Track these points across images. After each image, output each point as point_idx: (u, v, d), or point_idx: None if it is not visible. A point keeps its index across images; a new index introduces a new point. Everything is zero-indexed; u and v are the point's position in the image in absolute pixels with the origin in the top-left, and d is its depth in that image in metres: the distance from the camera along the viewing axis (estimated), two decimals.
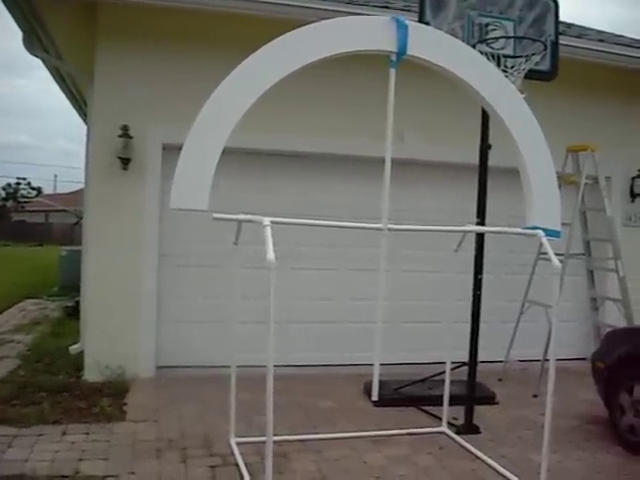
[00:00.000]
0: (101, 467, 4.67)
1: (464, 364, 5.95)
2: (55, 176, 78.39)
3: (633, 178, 8.78)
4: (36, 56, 7.77)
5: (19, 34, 7.34)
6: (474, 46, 5.41)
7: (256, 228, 3.94)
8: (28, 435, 5.25)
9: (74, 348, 7.78)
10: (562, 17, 6.18)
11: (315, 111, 7.43)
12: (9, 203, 55.15)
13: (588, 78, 8.13)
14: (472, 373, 5.86)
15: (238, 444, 5.13)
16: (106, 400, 6.17)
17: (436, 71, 4.54)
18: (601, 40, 8.27)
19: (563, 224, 4.86)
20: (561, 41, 6.20)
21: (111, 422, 5.67)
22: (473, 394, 5.88)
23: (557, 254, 4.48)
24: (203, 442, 5.28)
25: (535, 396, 6.90)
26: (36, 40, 7.53)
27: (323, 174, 7.83)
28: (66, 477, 4.47)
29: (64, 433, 5.35)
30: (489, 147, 5.79)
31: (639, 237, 8.63)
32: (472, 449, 5.31)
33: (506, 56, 5.51)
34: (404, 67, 4.41)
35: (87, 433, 5.37)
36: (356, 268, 7.78)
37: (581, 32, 8.62)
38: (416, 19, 5.38)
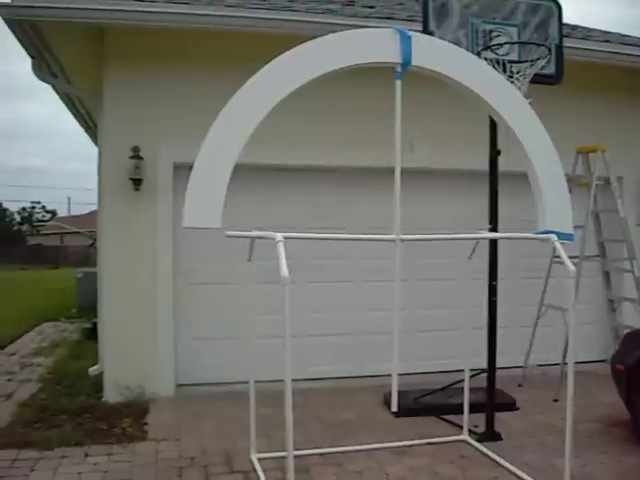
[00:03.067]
0: None
1: (483, 371, 5.93)
2: (69, 198, 79.26)
3: None
4: (45, 81, 7.86)
5: (28, 59, 7.43)
6: (479, 53, 5.44)
7: (269, 243, 3.95)
8: (51, 458, 5.28)
9: (93, 370, 7.82)
10: (566, 18, 6.18)
11: (323, 124, 7.44)
12: (24, 227, 55.63)
13: (595, 79, 8.11)
14: (491, 380, 5.84)
15: (259, 460, 5.13)
16: (127, 420, 6.20)
17: (441, 80, 4.56)
18: (607, 41, 8.27)
19: (576, 226, 4.85)
20: (566, 43, 6.21)
21: (133, 442, 5.69)
22: (493, 401, 5.85)
23: (571, 257, 4.48)
24: (224, 459, 5.28)
25: (556, 400, 6.86)
26: (45, 66, 7.62)
27: (334, 186, 7.84)
28: None
29: (86, 455, 5.37)
30: (498, 153, 5.79)
31: None
32: (494, 457, 5.28)
33: (511, 62, 5.51)
34: (410, 77, 4.43)
35: (109, 454, 5.39)
36: (371, 279, 7.78)
37: (586, 34, 8.62)
38: (420, 29, 5.41)
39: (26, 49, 7.13)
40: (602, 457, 5.31)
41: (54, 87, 8.44)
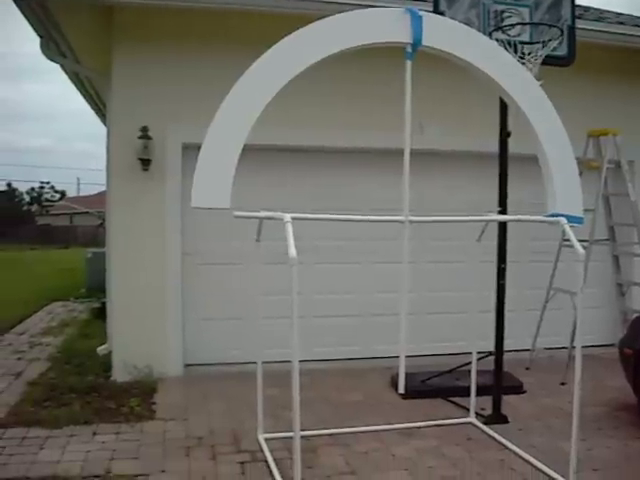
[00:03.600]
0: (132, 466, 4.72)
1: (490, 354, 5.93)
2: (78, 179, 79.42)
3: None
4: (54, 61, 7.85)
5: (37, 39, 7.41)
6: (490, 34, 5.39)
7: (277, 224, 3.94)
8: (60, 436, 5.32)
9: (102, 349, 7.86)
10: (579, 0, 6.12)
11: (332, 106, 7.41)
12: (34, 207, 55.80)
13: (608, 62, 8.04)
14: (499, 363, 5.83)
15: (266, 440, 5.16)
16: (135, 400, 6.24)
17: (452, 61, 4.52)
18: (620, 22, 8.17)
19: (586, 210, 4.82)
20: (579, 25, 6.13)
21: (141, 421, 5.72)
22: (500, 384, 5.86)
23: (581, 240, 4.45)
24: (232, 439, 5.31)
25: (563, 384, 6.85)
26: (53, 45, 7.60)
27: (343, 168, 7.82)
28: (98, 477, 4.52)
29: (95, 433, 5.41)
30: (509, 135, 5.75)
31: None
32: (501, 439, 5.29)
33: (523, 43, 5.45)
34: (420, 58, 4.39)
35: (117, 433, 5.43)
36: (379, 261, 7.78)
37: (599, 15, 8.52)
38: (431, 9, 5.36)
39: (34, 28, 7.11)
40: (608, 441, 5.31)
41: (63, 67, 8.42)
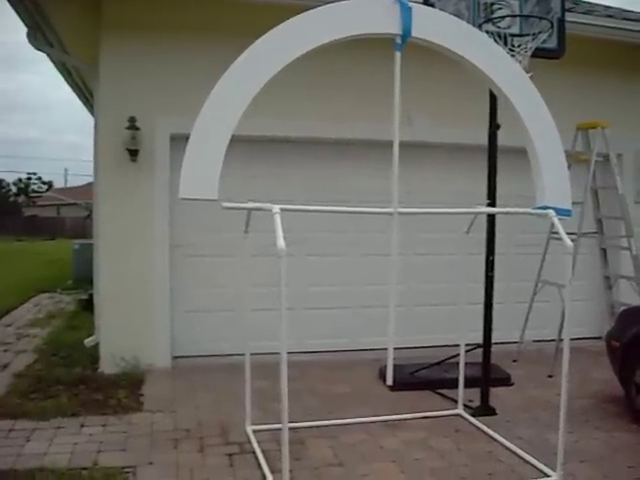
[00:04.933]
0: (119, 458, 4.70)
1: (479, 346, 5.94)
2: (65, 170, 78.99)
3: None
4: (41, 51, 7.77)
5: (24, 29, 7.34)
6: (480, 26, 5.38)
7: (266, 216, 3.93)
8: (47, 428, 5.29)
9: (89, 341, 7.82)
10: None
11: (322, 97, 7.40)
12: (21, 198, 55.46)
13: (597, 55, 8.05)
14: (487, 355, 5.85)
15: (255, 432, 5.15)
16: (122, 391, 6.22)
17: (441, 53, 4.50)
18: (609, 16, 8.18)
19: (574, 203, 4.81)
20: (568, 18, 6.15)
21: (128, 413, 5.70)
22: (488, 376, 5.87)
23: (569, 233, 4.45)
24: (220, 431, 5.30)
25: (550, 376, 6.88)
26: (41, 35, 7.53)
27: (333, 160, 7.80)
28: (85, 469, 4.49)
29: (82, 425, 5.38)
30: (498, 127, 5.75)
31: None
32: (488, 431, 5.31)
33: (513, 35, 5.46)
34: (411, 50, 4.37)
35: (105, 425, 5.40)
36: (368, 253, 7.78)
37: (589, 8, 8.52)
38: (421, 0, 5.34)
39: (22, 18, 7.04)
40: (595, 433, 5.34)
41: (50, 56, 8.34)
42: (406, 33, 4.26)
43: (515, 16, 5.63)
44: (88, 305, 10.02)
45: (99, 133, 7.42)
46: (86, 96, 11.12)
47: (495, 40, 5.14)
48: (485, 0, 5.64)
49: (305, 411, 5.69)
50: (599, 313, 8.33)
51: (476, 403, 5.85)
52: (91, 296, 9.58)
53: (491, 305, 5.82)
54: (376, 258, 7.48)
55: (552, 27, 5.53)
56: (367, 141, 7.55)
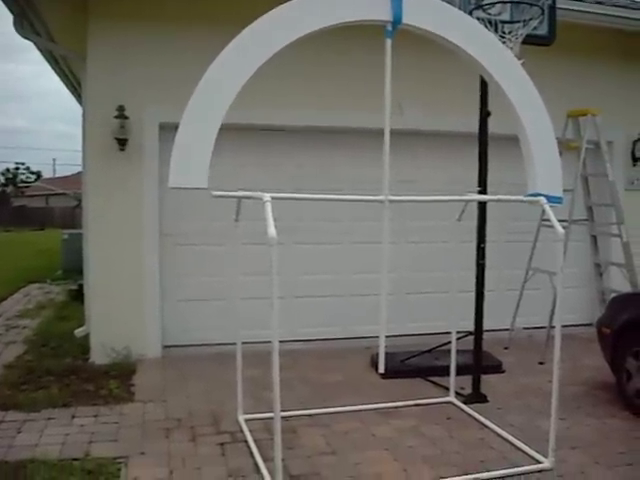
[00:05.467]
0: (111, 449, 4.69)
1: (470, 333, 5.95)
2: (54, 160, 78.53)
3: (634, 142, 8.68)
4: (28, 39, 7.66)
5: (9, 17, 7.24)
6: (471, 12, 5.34)
7: (257, 204, 3.90)
8: (38, 419, 5.27)
9: (80, 331, 7.79)
10: None
11: (314, 86, 7.36)
12: (9, 188, 55.08)
13: (587, 42, 8.03)
14: (478, 342, 5.86)
15: (247, 421, 5.15)
16: (113, 382, 6.20)
17: (432, 40, 4.48)
18: (599, 2, 8.15)
19: (565, 190, 4.82)
20: (559, 5, 6.14)
21: (119, 403, 5.68)
22: (479, 363, 5.88)
23: (560, 220, 4.45)
24: (212, 420, 5.29)
25: (541, 363, 6.91)
26: (27, 23, 7.42)
27: (324, 148, 7.77)
28: (77, 460, 4.47)
29: (73, 416, 5.36)
30: (489, 114, 5.74)
31: None
32: (480, 418, 5.32)
33: (503, 22, 5.42)
34: (402, 38, 4.35)
35: (96, 415, 5.39)
36: (360, 241, 7.76)
37: None
38: None
39: (7, 5, 6.93)
40: (587, 419, 5.37)
41: (37, 45, 8.23)
42: (397, 20, 4.23)
43: (506, 2, 5.58)
44: (78, 295, 9.97)
45: (87, 122, 7.36)
46: (74, 85, 11.01)
47: (486, 27, 5.11)
48: None
49: (297, 400, 5.68)
50: (590, 300, 8.36)
51: (468, 390, 5.87)
52: (81, 286, 9.53)
53: (482, 293, 5.82)
54: (368, 246, 7.45)
55: (543, 14, 5.50)
56: (360, 129, 7.51)
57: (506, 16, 5.55)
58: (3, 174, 57.07)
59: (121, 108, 6.80)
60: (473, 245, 5.79)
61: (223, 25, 5.27)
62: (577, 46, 7.81)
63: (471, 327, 5.89)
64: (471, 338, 5.91)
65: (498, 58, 4.59)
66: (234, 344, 5.17)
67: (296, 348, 7.16)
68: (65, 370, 6.51)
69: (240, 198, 4.59)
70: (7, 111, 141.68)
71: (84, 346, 7.24)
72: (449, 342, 5.83)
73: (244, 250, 5.22)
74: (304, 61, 6.27)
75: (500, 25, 5.38)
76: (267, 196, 3.85)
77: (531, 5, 5.47)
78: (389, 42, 4.29)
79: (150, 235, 7.15)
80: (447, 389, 5.90)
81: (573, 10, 7.39)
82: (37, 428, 5.08)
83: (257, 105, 6.10)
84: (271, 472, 4.11)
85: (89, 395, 5.87)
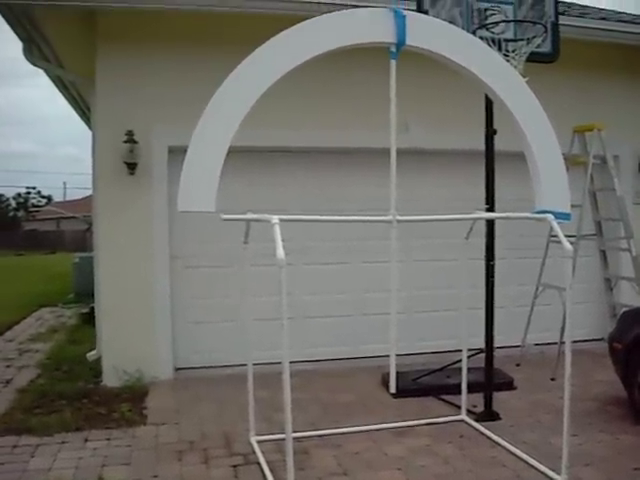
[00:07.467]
0: (124, 472, 4.70)
1: (481, 351, 5.94)
2: (64, 183, 79.09)
3: None
4: (37, 66, 7.78)
5: (19, 44, 7.35)
6: (474, 32, 5.39)
7: (266, 226, 3.94)
8: (51, 443, 5.28)
9: (91, 354, 7.82)
10: None
11: (319, 106, 7.41)
12: (20, 213, 55.49)
13: (591, 57, 8.06)
14: (489, 359, 5.85)
15: (259, 442, 5.15)
16: (126, 405, 6.21)
17: (437, 60, 4.52)
18: (603, 18, 8.20)
19: (573, 205, 4.83)
20: (562, 21, 6.16)
21: (132, 427, 5.69)
22: (491, 381, 5.87)
23: (568, 236, 4.46)
24: (224, 442, 5.29)
25: (553, 379, 6.87)
26: (36, 49, 7.53)
27: (331, 168, 7.81)
28: None
29: (86, 440, 5.37)
30: (494, 132, 5.76)
31: None
32: (492, 436, 5.30)
33: (507, 40, 5.47)
34: (406, 57, 4.39)
35: (109, 439, 5.40)
36: (369, 260, 7.78)
37: (582, 11, 8.55)
38: (414, 8, 5.36)
39: (17, 33, 7.05)
40: (599, 435, 5.33)
41: (46, 71, 8.35)
42: (401, 41, 4.28)
43: (509, 21, 5.65)
44: (89, 318, 10.00)
45: (97, 147, 7.43)
46: (83, 110, 11.13)
47: (489, 45, 5.15)
48: (479, 6, 5.66)
49: (309, 420, 5.68)
50: (600, 315, 8.32)
51: (480, 408, 5.85)
52: (92, 309, 9.57)
53: (492, 310, 5.81)
54: (377, 265, 7.48)
55: (546, 31, 5.54)
56: (365, 149, 7.55)
57: (509, 34, 5.61)
58: (14, 199, 57.51)
59: (130, 133, 6.87)
60: (481, 262, 5.78)
61: (230, 45, 5.37)
62: (582, 62, 7.84)
63: (481, 344, 5.88)
64: (482, 355, 5.90)
65: (503, 77, 4.62)
66: (245, 365, 5.18)
67: (307, 368, 7.15)
68: (77, 393, 6.53)
69: (249, 221, 4.62)
70: (18, 135, 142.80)
71: (96, 369, 7.26)
72: (460, 360, 5.82)
73: (253, 271, 5.25)
74: (308, 82, 6.30)
75: (504, 44, 5.43)
76: (275, 218, 3.88)
77: (534, 23, 5.53)
78: (394, 63, 4.35)
79: (160, 257, 7.19)
80: (459, 407, 5.88)
81: (577, 26, 7.43)
82: (50, 452, 5.09)
83: (263, 127, 6.13)
84: None
85: (102, 418, 5.88)
